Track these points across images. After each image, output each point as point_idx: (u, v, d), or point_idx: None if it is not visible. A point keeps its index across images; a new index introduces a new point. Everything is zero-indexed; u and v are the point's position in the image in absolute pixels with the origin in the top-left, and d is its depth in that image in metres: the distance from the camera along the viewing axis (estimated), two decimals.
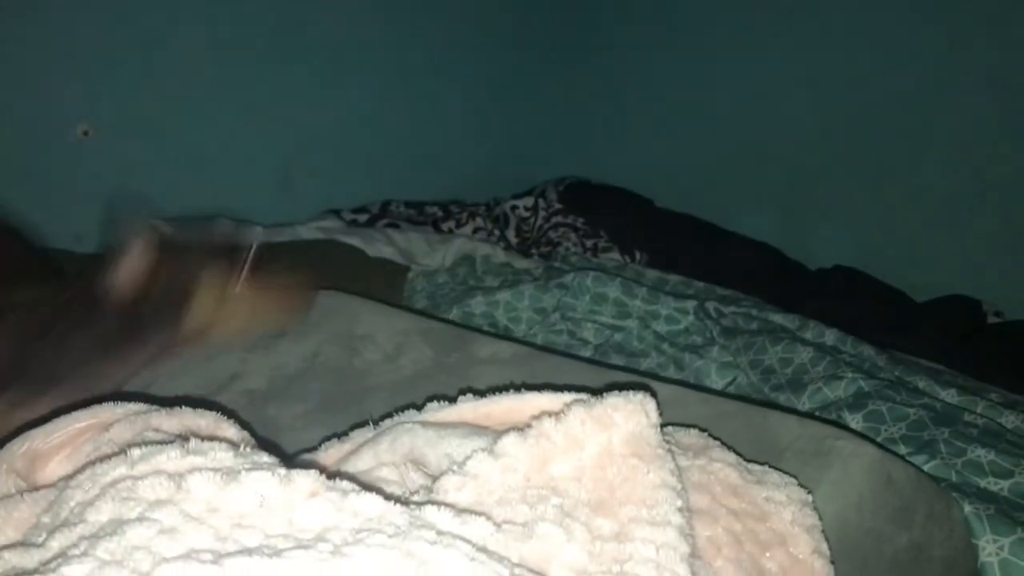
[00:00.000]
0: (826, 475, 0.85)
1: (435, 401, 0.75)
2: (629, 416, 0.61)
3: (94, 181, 1.87)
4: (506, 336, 1.48)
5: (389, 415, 0.76)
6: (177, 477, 0.52)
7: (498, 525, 0.53)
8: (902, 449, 1.17)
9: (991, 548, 0.95)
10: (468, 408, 0.71)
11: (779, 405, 1.32)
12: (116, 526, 0.48)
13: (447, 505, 0.54)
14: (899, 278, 1.94)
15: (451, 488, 0.58)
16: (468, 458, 0.60)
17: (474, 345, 1.18)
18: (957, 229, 1.90)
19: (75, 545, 0.46)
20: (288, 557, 0.44)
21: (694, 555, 0.56)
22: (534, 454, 0.60)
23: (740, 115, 2.30)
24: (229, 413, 0.73)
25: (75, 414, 0.69)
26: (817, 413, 1.32)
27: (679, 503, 0.57)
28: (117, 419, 0.69)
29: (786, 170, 2.22)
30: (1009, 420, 1.27)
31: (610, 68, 2.59)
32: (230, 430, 0.70)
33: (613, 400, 0.61)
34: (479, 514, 0.53)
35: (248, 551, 0.45)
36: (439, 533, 0.48)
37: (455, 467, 0.60)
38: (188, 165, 1.99)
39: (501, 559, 0.48)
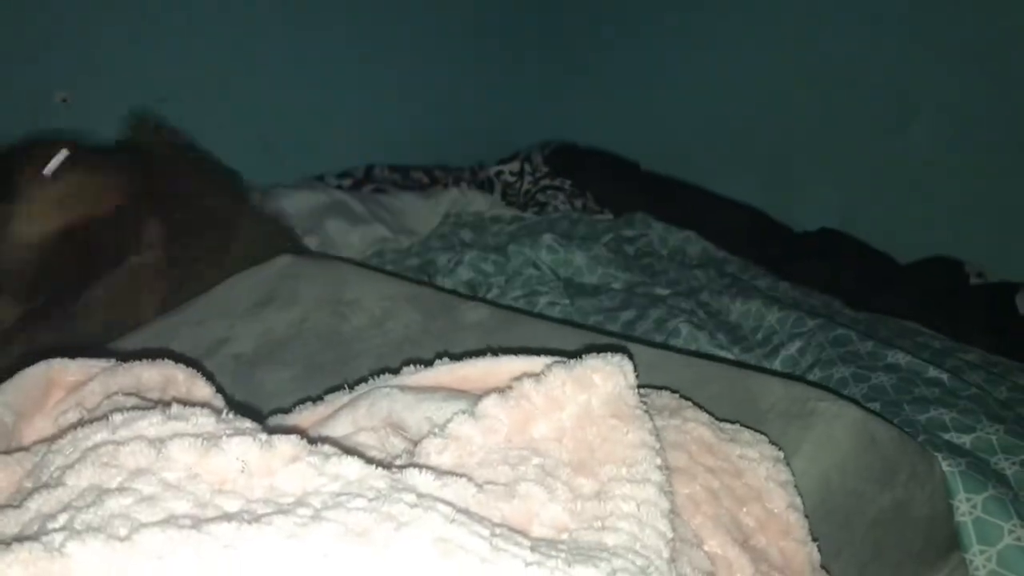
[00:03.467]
0: (809, 436, 0.86)
1: (411, 365, 0.75)
2: (608, 377, 0.61)
3: None
4: (493, 301, 1.48)
5: (365, 379, 0.76)
6: (158, 443, 0.52)
7: (480, 486, 0.53)
8: None
9: (965, 507, 0.97)
10: (445, 371, 0.71)
11: (760, 367, 1.33)
12: (96, 495, 0.48)
13: (429, 468, 0.55)
14: (883, 240, 1.94)
15: (432, 451, 0.59)
16: (449, 421, 0.60)
17: (461, 310, 1.18)
18: (941, 191, 1.91)
19: (53, 516, 0.46)
20: (267, 522, 0.44)
21: (674, 512, 0.57)
22: (515, 416, 0.60)
23: (725, 77, 2.29)
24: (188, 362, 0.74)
25: (30, 371, 0.69)
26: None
27: (658, 461, 0.57)
28: (90, 377, 0.68)
29: (771, 133, 2.21)
30: (975, 379, 1.29)
31: (595, 32, 2.56)
32: (204, 389, 0.71)
33: (592, 362, 0.62)
34: (460, 476, 0.54)
35: (228, 516, 0.45)
36: (419, 496, 0.48)
37: (436, 430, 0.60)
38: None
39: (482, 520, 0.48)
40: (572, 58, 2.63)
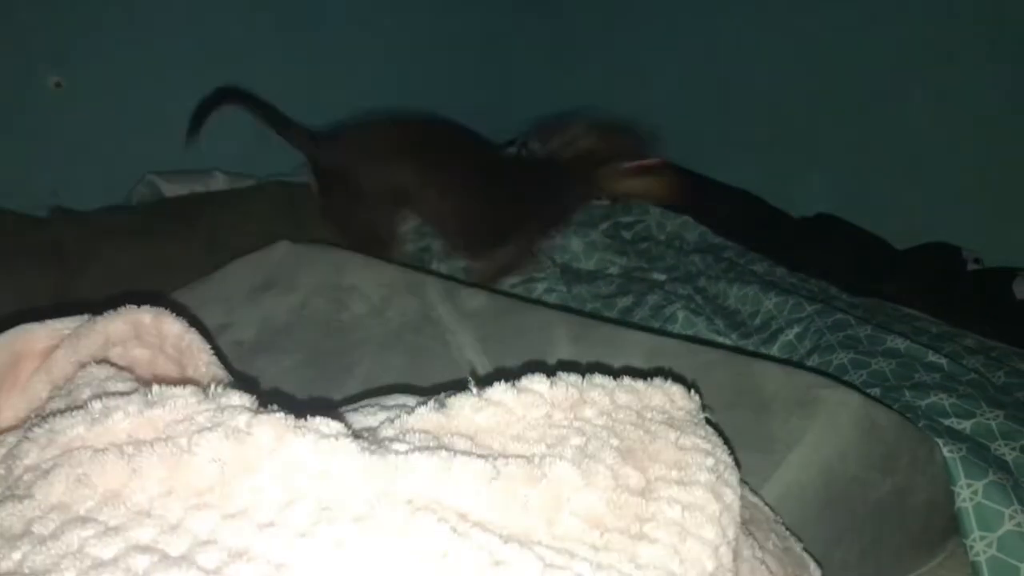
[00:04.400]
0: (812, 424, 0.85)
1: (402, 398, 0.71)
2: (664, 392, 0.60)
3: (67, 134, 1.83)
4: (490, 288, 1.48)
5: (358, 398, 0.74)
6: (128, 457, 0.48)
7: (498, 471, 0.50)
8: None
9: (966, 493, 0.97)
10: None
11: (761, 354, 1.33)
12: (60, 523, 0.46)
13: (461, 434, 0.53)
14: (880, 225, 1.94)
15: (468, 407, 0.55)
16: (488, 387, 0.57)
17: (460, 297, 1.17)
18: (938, 177, 1.90)
19: (12, 544, 0.44)
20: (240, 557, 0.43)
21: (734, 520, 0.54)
22: (561, 398, 0.57)
23: (722, 63, 2.28)
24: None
25: None
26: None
27: (709, 462, 0.55)
28: (59, 342, 0.65)
29: (768, 118, 2.20)
30: (974, 364, 1.29)
31: (591, 19, 2.54)
32: (174, 325, 0.69)
33: (646, 382, 0.61)
34: (480, 456, 0.50)
35: (180, 559, 0.44)
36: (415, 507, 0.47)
37: (474, 388, 0.57)
38: (164, 116, 1.94)
39: (488, 531, 0.47)
40: (567, 44, 2.61)
